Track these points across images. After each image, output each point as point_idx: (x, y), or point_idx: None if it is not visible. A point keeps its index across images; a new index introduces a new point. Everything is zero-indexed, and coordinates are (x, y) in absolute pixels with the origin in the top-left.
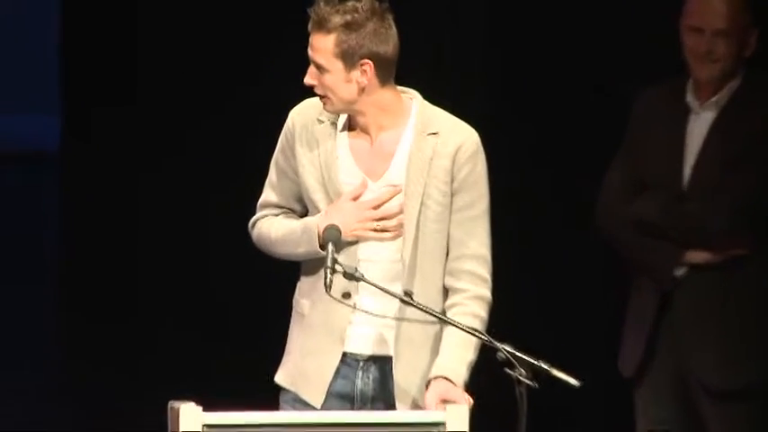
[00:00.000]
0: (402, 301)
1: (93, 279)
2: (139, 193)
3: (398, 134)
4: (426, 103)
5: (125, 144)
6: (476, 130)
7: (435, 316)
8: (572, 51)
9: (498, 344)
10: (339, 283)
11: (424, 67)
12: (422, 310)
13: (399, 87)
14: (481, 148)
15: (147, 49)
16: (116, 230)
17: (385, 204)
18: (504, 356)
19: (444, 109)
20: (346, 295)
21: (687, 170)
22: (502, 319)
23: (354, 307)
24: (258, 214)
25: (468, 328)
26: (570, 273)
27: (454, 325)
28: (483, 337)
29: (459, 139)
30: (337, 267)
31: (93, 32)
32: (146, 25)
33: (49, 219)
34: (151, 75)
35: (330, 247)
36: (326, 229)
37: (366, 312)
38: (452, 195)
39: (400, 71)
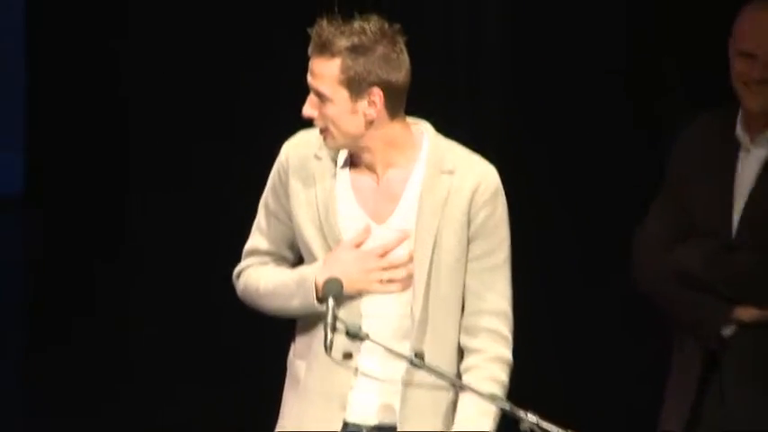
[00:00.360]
0: (412, 363)
1: (64, 355)
2: (119, 245)
3: (408, 172)
4: (439, 135)
5: (98, 185)
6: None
7: (450, 381)
8: (601, 79)
9: (522, 413)
10: (340, 342)
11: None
12: (435, 373)
13: (408, 118)
14: (501, 189)
15: (119, 85)
16: (92, 290)
17: (392, 252)
18: (528, 429)
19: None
20: (347, 356)
21: (736, 215)
22: (522, 376)
23: (357, 371)
24: (244, 263)
25: (489, 395)
26: (602, 326)
27: (473, 391)
28: (505, 405)
29: (476, 177)
30: (339, 325)
31: (62, 67)
32: (118, 61)
33: (11, 274)
34: (124, 109)
35: (331, 302)
36: (327, 281)
37: (370, 377)
38: (469, 242)
39: (412, 99)
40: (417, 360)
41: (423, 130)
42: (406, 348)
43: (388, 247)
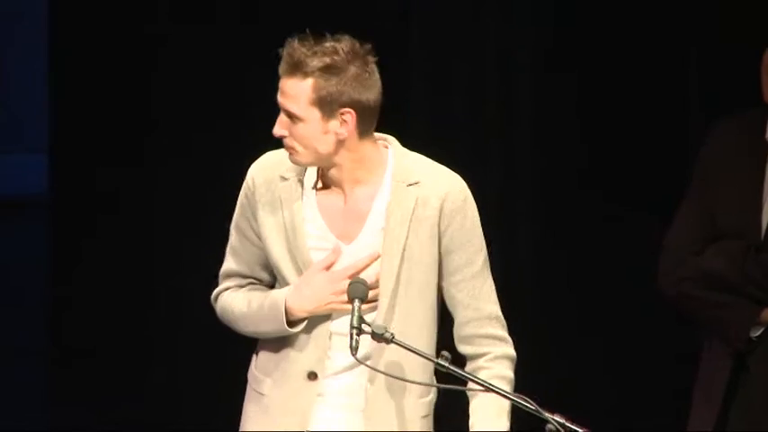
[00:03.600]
0: (438, 365)
1: (91, 352)
2: (150, 244)
3: (375, 189)
4: (404, 150)
5: (126, 187)
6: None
7: (477, 383)
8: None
9: (548, 414)
10: (304, 362)
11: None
12: (460, 375)
13: (375, 134)
14: (469, 195)
15: (142, 82)
16: (118, 289)
17: (362, 271)
18: (553, 428)
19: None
20: (312, 375)
21: (765, 217)
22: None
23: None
24: (221, 286)
25: (517, 396)
26: (634, 331)
27: (501, 394)
28: (530, 405)
29: (443, 188)
30: (365, 327)
31: (83, 68)
32: (140, 58)
33: (35, 273)
34: (149, 110)
35: (356, 303)
36: (351, 283)
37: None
38: (444, 254)
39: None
40: (443, 361)
41: (388, 145)
42: (380, 363)
43: (357, 267)
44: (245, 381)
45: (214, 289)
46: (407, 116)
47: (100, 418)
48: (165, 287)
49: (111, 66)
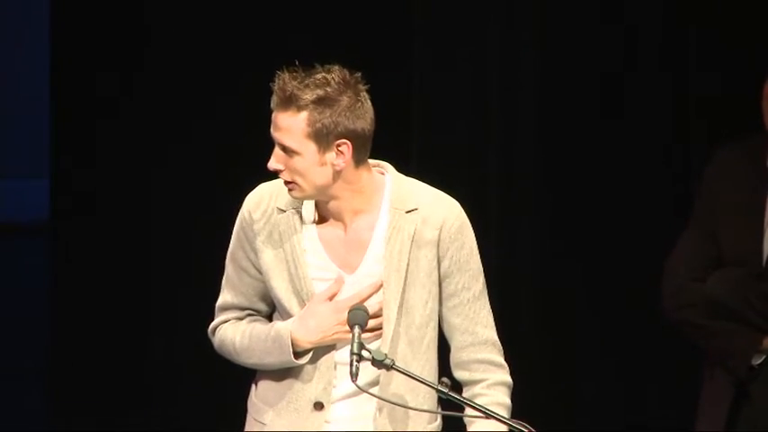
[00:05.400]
0: (439, 392)
1: (89, 376)
2: (148, 271)
3: (374, 217)
4: (400, 176)
5: (123, 211)
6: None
7: (480, 410)
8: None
9: None
10: (310, 392)
11: None
12: (463, 402)
13: (370, 161)
14: (467, 221)
15: (143, 109)
16: (119, 317)
17: (366, 300)
18: None
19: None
20: (318, 405)
21: (766, 245)
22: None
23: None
24: (218, 319)
25: (519, 423)
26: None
27: (502, 420)
28: None
29: (442, 213)
30: (365, 354)
31: (86, 95)
32: (141, 86)
33: (36, 301)
34: (148, 134)
35: (356, 330)
36: (351, 310)
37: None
38: (443, 279)
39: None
40: (443, 387)
41: (384, 171)
42: (380, 391)
43: (361, 295)
44: (246, 383)
45: (214, 302)
46: (408, 117)
47: (100, 419)
48: (165, 293)
49: (105, 63)
